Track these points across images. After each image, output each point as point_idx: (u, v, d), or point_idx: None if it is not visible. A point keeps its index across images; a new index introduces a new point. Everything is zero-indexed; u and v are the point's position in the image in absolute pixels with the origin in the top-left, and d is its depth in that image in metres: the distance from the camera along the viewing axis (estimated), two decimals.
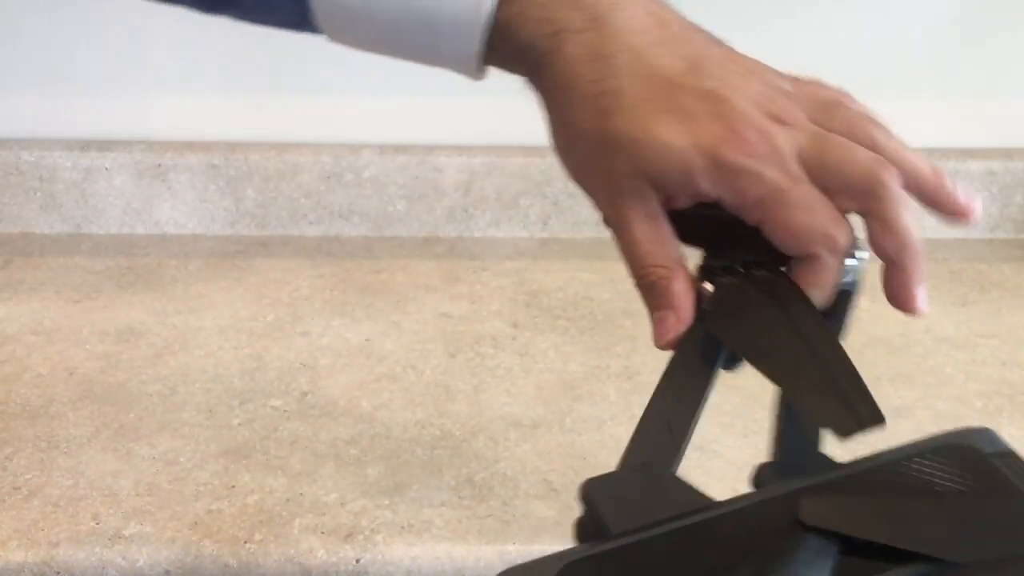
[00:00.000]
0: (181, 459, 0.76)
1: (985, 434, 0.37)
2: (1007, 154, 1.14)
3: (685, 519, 0.33)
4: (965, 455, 0.36)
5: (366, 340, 0.93)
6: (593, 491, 0.37)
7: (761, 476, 0.37)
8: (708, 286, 0.42)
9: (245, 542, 0.67)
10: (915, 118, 1.15)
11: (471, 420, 0.79)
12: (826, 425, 0.34)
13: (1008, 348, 0.92)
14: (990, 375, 0.88)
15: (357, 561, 0.67)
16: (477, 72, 0.49)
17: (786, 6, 1.09)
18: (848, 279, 0.44)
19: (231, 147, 1.12)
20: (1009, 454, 0.36)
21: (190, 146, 1.12)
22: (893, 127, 0.48)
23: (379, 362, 0.89)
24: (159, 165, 1.11)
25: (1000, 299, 1.02)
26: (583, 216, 1.13)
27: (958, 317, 0.98)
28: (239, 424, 0.80)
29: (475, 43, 0.47)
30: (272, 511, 0.70)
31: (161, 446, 0.77)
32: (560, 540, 0.67)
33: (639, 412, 0.41)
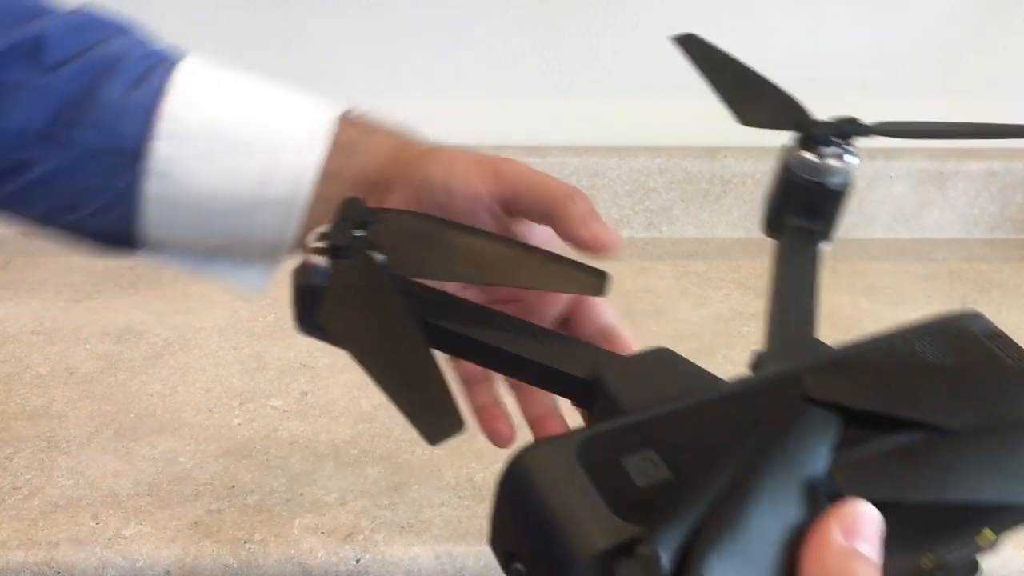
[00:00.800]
0: (181, 459, 0.76)
1: (975, 317, 0.39)
2: (1007, 154, 1.14)
3: (695, 396, 0.34)
4: (958, 335, 0.37)
5: None
6: (605, 370, 0.38)
7: (759, 362, 0.38)
8: (319, 260, 0.40)
9: (245, 542, 0.67)
10: (915, 118, 1.15)
11: (471, 420, 0.79)
12: (418, 428, 0.34)
13: None
14: None
15: (357, 561, 0.67)
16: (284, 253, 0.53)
17: (787, 6, 1.09)
18: (838, 180, 0.46)
19: None
20: (999, 335, 0.38)
21: None
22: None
23: None
24: None
25: (1000, 299, 1.02)
26: None
27: None
28: (239, 424, 0.80)
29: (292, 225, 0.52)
30: (272, 511, 0.70)
31: (161, 446, 0.77)
32: None
33: None
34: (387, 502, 0.71)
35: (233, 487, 0.72)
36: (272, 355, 0.90)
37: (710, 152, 1.11)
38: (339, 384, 0.86)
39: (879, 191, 1.14)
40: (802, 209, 0.47)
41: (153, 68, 0.50)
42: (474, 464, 0.74)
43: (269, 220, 0.51)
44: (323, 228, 0.40)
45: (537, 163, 1.11)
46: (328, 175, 0.51)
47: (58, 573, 0.67)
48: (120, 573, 0.67)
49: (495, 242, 0.43)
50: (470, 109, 1.13)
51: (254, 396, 0.84)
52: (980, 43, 1.11)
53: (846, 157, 0.46)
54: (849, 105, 1.22)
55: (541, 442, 0.33)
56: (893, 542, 0.31)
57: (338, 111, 0.52)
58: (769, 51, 1.13)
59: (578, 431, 0.33)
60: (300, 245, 0.52)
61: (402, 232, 0.41)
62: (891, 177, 1.13)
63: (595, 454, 0.32)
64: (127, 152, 0.50)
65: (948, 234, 1.16)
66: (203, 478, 0.73)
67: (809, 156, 0.46)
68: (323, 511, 0.70)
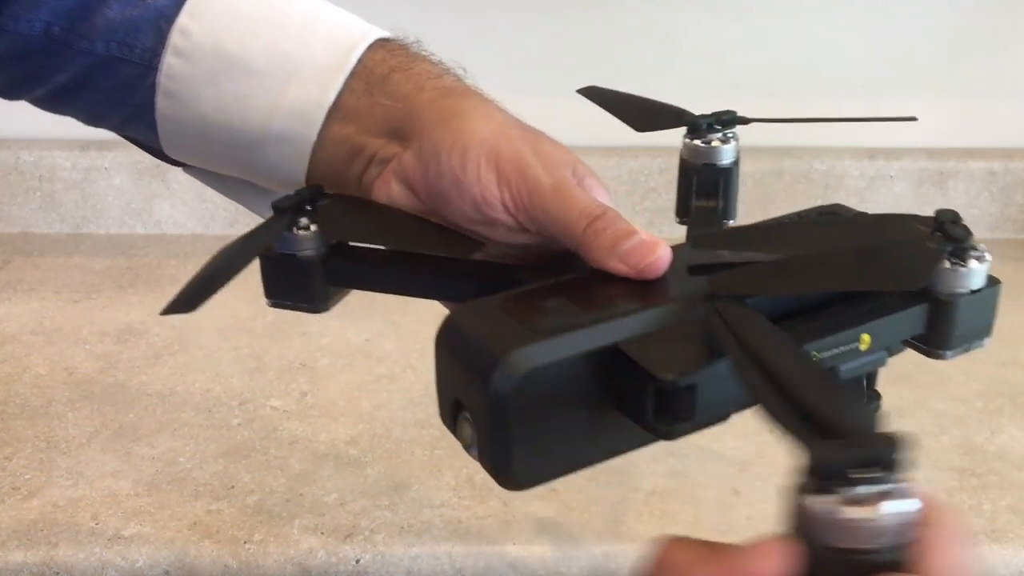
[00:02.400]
0: (181, 459, 0.76)
1: (841, 207, 0.48)
2: (1007, 154, 1.14)
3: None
4: (831, 212, 0.48)
5: (366, 340, 0.93)
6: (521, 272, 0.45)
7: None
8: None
9: (245, 542, 0.67)
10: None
11: None
12: None
13: (1008, 348, 0.92)
14: (990, 375, 0.88)
15: (357, 561, 0.67)
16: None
17: (787, 6, 1.09)
18: (726, 159, 0.52)
19: None
20: (860, 213, 0.47)
21: None
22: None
23: (379, 362, 0.89)
24: (159, 165, 1.10)
25: (1000, 299, 1.02)
26: None
27: None
28: (239, 424, 0.80)
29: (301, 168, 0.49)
30: (272, 511, 0.70)
31: (161, 446, 0.77)
32: (560, 540, 0.67)
33: None
34: (387, 502, 0.71)
35: (233, 487, 0.72)
36: (272, 355, 0.90)
37: None
38: (339, 384, 0.85)
39: (879, 191, 1.13)
40: (703, 192, 0.53)
41: None
42: (474, 464, 0.74)
43: (276, 156, 0.48)
44: (282, 198, 0.45)
45: None
46: (346, 113, 0.47)
47: (58, 573, 0.67)
48: (120, 573, 0.67)
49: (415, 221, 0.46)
50: None
51: (254, 396, 0.84)
52: (980, 43, 1.11)
53: (730, 141, 0.53)
54: (849, 105, 1.22)
55: (467, 303, 0.38)
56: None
57: (373, 37, 0.48)
58: (769, 51, 1.13)
59: (502, 294, 0.39)
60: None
61: (341, 209, 0.46)
62: (891, 177, 1.13)
63: (518, 304, 0.38)
64: (137, 64, 0.47)
65: None
66: (203, 478, 0.73)
67: (699, 143, 0.53)
68: (323, 511, 0.70)
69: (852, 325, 0.39)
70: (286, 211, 0.45)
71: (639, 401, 0.36)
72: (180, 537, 0.67)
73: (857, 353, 0.40)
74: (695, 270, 0.41)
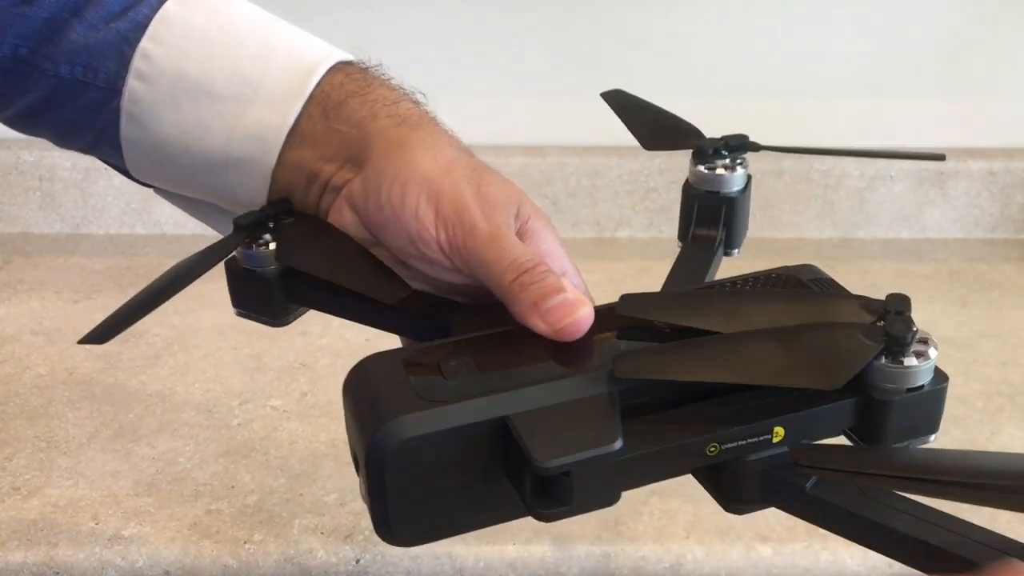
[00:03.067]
0: (181, 459, 0.76)
1: (809, 268, 0.45)
2: (1007, 154, 1.14)
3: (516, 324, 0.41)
4: (781, 278, 0.44)
5: (366, 340, 0.93)
6: (452, 315, 0.45)
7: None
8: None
9: (245, 542, 0.67)
10: (915, 118, 1.15)
11: None
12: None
13: (1008, 348, 0.92)
14: (990, 375, 0.88)
15: (357, 561, 0.67)
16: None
17: (788, 6, 1.09)
18: (730, 188, 0.51)
19: None
20: (825, 280, 0.44)
21: None
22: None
23: None
24: None
25: (1000, 299, 1.02)
26: (583, 216, 1.13)
27: (958, 317, 0.98)
28: (239, 424, 0.80)
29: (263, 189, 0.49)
30: (272, 511, 0.70)
31: (161, 446, 0.77)
32: (560, 540, 0.67)
33: None
34: None
35: (233, 487, 0.72)
36: (272, 355, 0.90)
37: None
38: (339, 384, 0.85)
39: (879, 191, 1.13)
40: (704, 219, 0.51)
41: (139, 1, 0.47)
42: None
43: (237, 180, 0.48)
44: (244, 214, 0.47)
45: (537, 163, 1.11)
46: (304, 138, 0.47)
47: (58, 573, 0.67)
48: (120, 573, 0.67)
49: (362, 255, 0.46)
50: (470, 109, 1.12)
51: (254, 396, 0.84)
52: (980, 43, 1.11)
53: (737, 168, 0.51)
54: (849, 105, 1.22)
55: (378, 353, 0.39)
56: (675, 426, 0.36)
57: (333, 60, 0.48)
58: (769, 51, 1.13)
59: (411, 347, 0.40)
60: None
61: (298, 231, 0.47)
62: (891, 177, 1.13)
63: (420, 363, 0.38)
64: (102, 88, 0.48)
65: (948, 234, 1.16)
66: (203, 478, 0.73)
67: (703, 169, 0.51)
68: (323, 511, 0.70)
69: (766, 416, 0.37)
70: (245, 228, 0.46)
71: (520, 479, 0.36)
72: (180, 537, 0.67)
73: (768, 444, 0.38)
74: (623, 335, 0.40)
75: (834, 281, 0.44)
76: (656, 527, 0.69)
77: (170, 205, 0.55)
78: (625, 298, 0.42)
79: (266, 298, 0.48)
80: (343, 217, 0.47)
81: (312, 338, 0.92)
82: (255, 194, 0.48)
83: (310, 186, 0.47)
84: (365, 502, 0.38)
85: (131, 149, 0.49)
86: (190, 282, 0.46)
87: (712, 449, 0.37)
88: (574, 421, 0.35)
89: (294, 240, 0.47)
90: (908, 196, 1.14)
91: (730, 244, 0.52)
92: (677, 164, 1.11)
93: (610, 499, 0.36)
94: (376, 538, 0.69)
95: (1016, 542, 0.35)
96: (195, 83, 0.47)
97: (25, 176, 1.13)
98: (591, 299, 0.44)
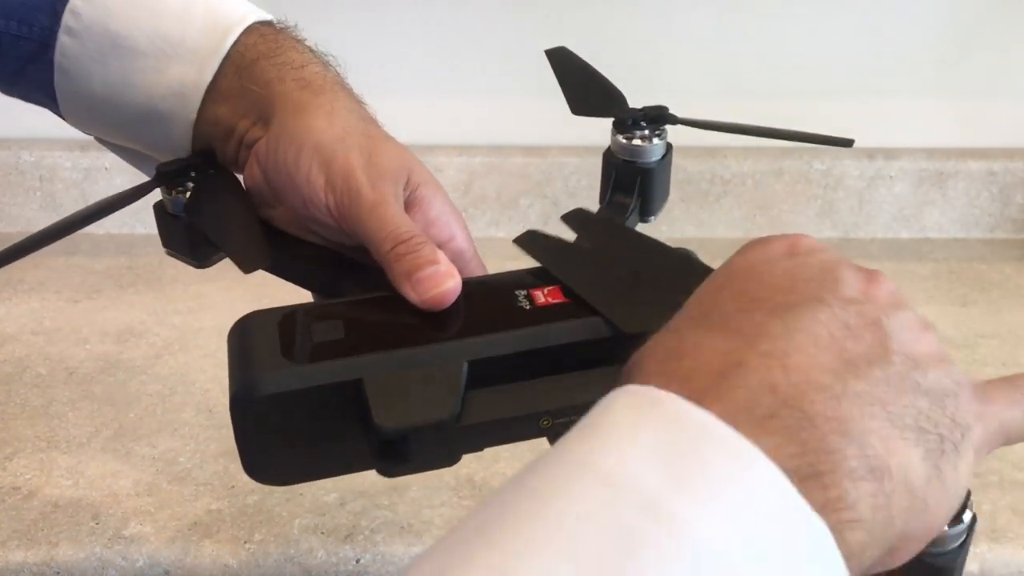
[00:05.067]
0: (181, 459, 0.76)
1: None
2: (1007, 154, 1.14)
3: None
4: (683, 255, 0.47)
5: None
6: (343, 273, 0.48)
7: None
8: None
9: (245, 542, 0.67)
10: (915, 118, 1.15)
11: None
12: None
13: (1008, 348, 0.92)
14: (990, 375, 0.87)
15: (357, 561, 0.67)
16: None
17: (788, 5, 1.09)
18: (647, 159, 0.52)
19: None
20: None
21: None
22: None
23: None
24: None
25: (1000, 299, 1.02)
26: None
27: (958, 317, 0.98)
28: None
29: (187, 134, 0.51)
30: (272, 511, 0.70)
31: (161, 446, 0.77)
32: None
33: None
34: (387, 502, 0.71)
35: (233, 487, 0.72)
36: None
37: (710, 152, 1.11)
38: None
39: (879, 191, 1.14)
40: (621, 186, 0.53)
41: None
42: (474, 464, 0.74)
43: (160, 132, 0.51)
44: (167, 162, 0.50)
45: (537, 163, 1.11)
46: (220, 93, 0.49)
47: (58, 573, 0.67)
48: (120, 573, 0.67)
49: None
50: (470, 109, 1.13)
51: None
52: (980, 43, 1.11)
53: (655, 140, 0.52)
54: (849, 105, 1.22)
55: (262, 310, 0.41)
56: (513, 399, 0.39)
57: (250, 21, 0.50)
58: (769, 51, 1.13)
59: (290, 306, 0.42)
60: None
61: (207, 191, 0.50)
62: (891, 177, 1.13)
63: (292, 323, 0.41)
64: (36, 42, 0.51)
65: (948, 234, 1.16)
66: (203, 478, 0.73)
67: (621, 139, 0.53)
68: (323, 511, 0.70)
69: (598, 393, 0.40)
70: (166, 176, 0.50)
71: (369, 439, 0.38)
72: (180, 537, 0.67)
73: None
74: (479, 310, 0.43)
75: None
76: None
77: None
78: (529, 233, 0.46)
79: (187, 240, 0.52)
80: (253, 171, 0.49)
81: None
82: (178, 146, 0.51)
83: (227, 140, 0.50)
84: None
85: (64, 99, 0.52)
86: (106, 215, 0.50)
87: (545, 422, 0.40)
88: (421, 388, 0.38)
89: (200, 196, 0.50)
90: (908, 196, 1.14)
91: (646, 212, 0.54)
92: (677, 164, 1.11)
93: (450, 461, 0.40)
94: (376, 538, 0.70)
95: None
96: (119, 40, 0.49)
97: (25, 176, 1.13)
98: (480, 262, 0.48)
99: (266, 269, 0.49)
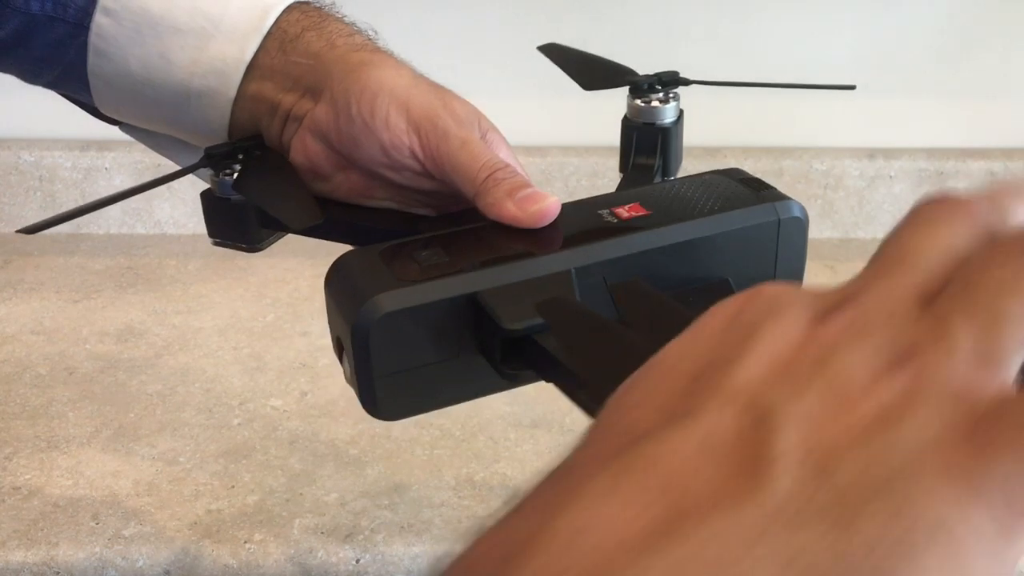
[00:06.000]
0: (181, 459, 0.76)
1: (736, 170, 0.51)
2: (1007, 154, 1.14)
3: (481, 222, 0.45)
4: (713, 179, 0.51)
5: None
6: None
7: None
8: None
9: (245, 542, 0.67)
10: (916, 118, 1.15)
11: (471, 420, 0.79)
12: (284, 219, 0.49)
13: None
14: None
15: (357, 561, 0.67)
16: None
17: (788, 5, 1.09)
18: (665, 119, 0.55)
19: None
20: (751, 179, 0.50)
21: None
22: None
23: None
24: (159, 165, 1.10)
25: None
26: None
27: None
28: (239, 424, 0.80)
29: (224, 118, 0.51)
30: (272, 511, 0.70)
31: (161, 446, 0.77)
32: None
33: None
34: (387, 502, 0.71)
35: (233, 487, 0.72)
36: (272, 355, 0.90)
37: (710, 152, 1.11)
38: (339, 384, 0.85)
39: (879, 191, 1.14)
40: (642, 149, 0.56)
41: None
42: (474, 464, 0.74)
43: (199, 112, 0.50)
44: (215, 145, 0.50)
45: (537, 163, 1.11)
46: (262, 70, 0.49)
47: (58, 573, 0.67)
48: (120, 573, 0.67)
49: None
50: None
51: (254, 396, 0.84)
52: (980, 43, 1.11)
53: (670, 101, 0.56)
54: (849, 105, 1.22)
55: (355, 249, 0.42)
56: None
57: (290, 0, 0.50)
58: (768, 51, 1.13)
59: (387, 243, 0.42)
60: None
61: (255, 166, 0.50)
62: (891, 177, 1.13)
63: (395, 253, 0.41)
64: (71, 23, 0.50)
65: None
66: (203, 478, 0.73)
67: (639, 103, 0.56)
68: (323, 511, 0.70)
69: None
70: (214, 157, 0.49)
71: (491, 347, 0.39)
72: (180, 537, 0.67)
73: None
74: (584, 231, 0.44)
75: (760, 179, 0.49)
76: None
77: (170, 205, 0.56)
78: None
79: (240, 224, 0.51)
80: (307, 147, 0.49)
81: (312, 338, 0.92)
82: (216, 126, 0.51)
83: (272, 117, 0.50)
84: (351, 384, 0.41)
85: (98, 83, 0.51)
86: (151, 188, 0.50)
87: None
88: (536, 294, 0.39)
89: (248, 172, 0.50)
90: (908, 196, 1.14)
91: (666, 171, 0.57)
92: None
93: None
94: (376, 538, 0.70)
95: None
96: (158, 18, 0.49)
97: (25, 176, 1.13)
98: None
99: (317, 227, 0.49)
